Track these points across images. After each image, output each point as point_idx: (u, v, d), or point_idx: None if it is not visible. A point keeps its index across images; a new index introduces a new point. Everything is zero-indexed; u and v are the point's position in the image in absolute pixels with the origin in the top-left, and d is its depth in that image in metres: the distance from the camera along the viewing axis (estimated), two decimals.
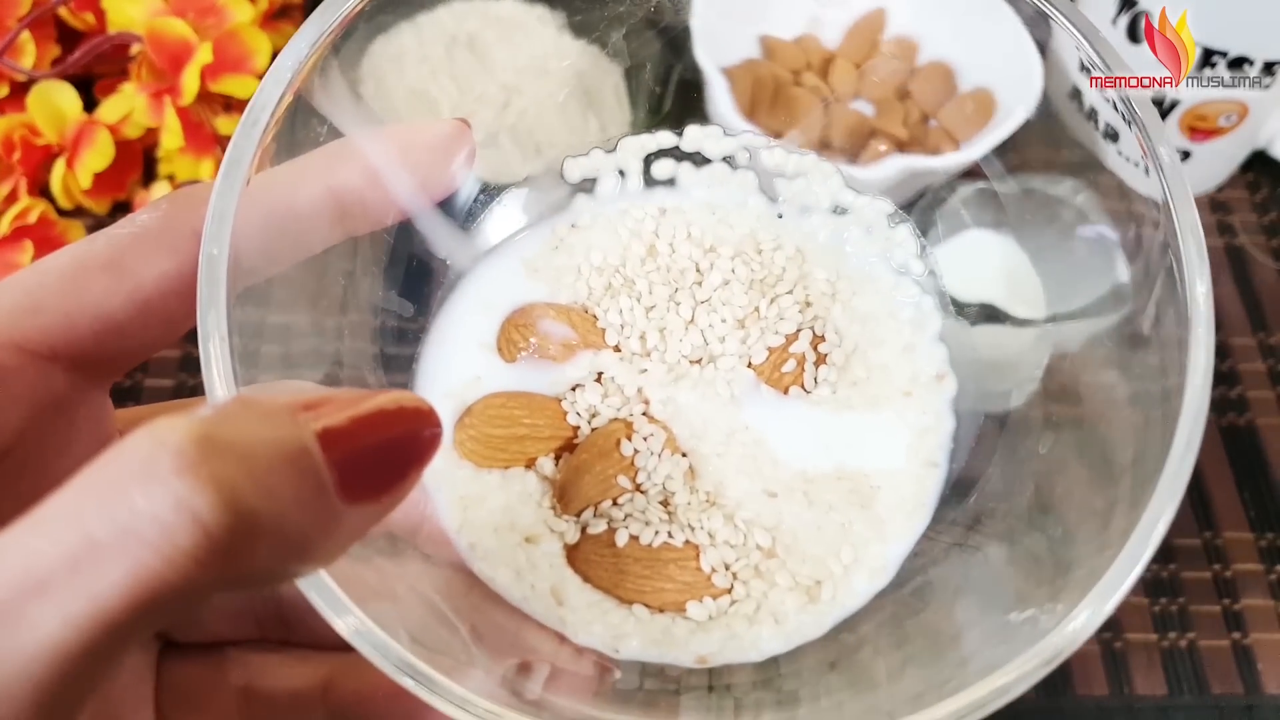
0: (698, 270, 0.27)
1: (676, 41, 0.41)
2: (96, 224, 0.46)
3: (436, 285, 0.26)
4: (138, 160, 0.47)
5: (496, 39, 0.47)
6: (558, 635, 0.23)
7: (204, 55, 0.43)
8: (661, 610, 0.23)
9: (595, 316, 0.26)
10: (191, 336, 0.20)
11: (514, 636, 0.22)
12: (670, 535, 0.23)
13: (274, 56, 0.45)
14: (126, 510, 0.14)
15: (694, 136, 0.29)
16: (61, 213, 0.45)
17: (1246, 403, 0.45)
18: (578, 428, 0.25)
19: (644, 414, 0.25)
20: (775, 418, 0.25)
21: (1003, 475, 0.24)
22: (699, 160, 0.29)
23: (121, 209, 0.47)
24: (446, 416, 0.24)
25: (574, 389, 0.25)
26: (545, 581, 0.23)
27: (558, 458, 0.24)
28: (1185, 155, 0.49)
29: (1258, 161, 0.51)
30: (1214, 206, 0.51)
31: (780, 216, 0.28)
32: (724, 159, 0.29)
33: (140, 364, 0.30)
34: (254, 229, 0.20)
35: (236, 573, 0.15)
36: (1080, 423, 0.24)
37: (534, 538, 0.23)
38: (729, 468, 0.24)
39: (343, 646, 0.18)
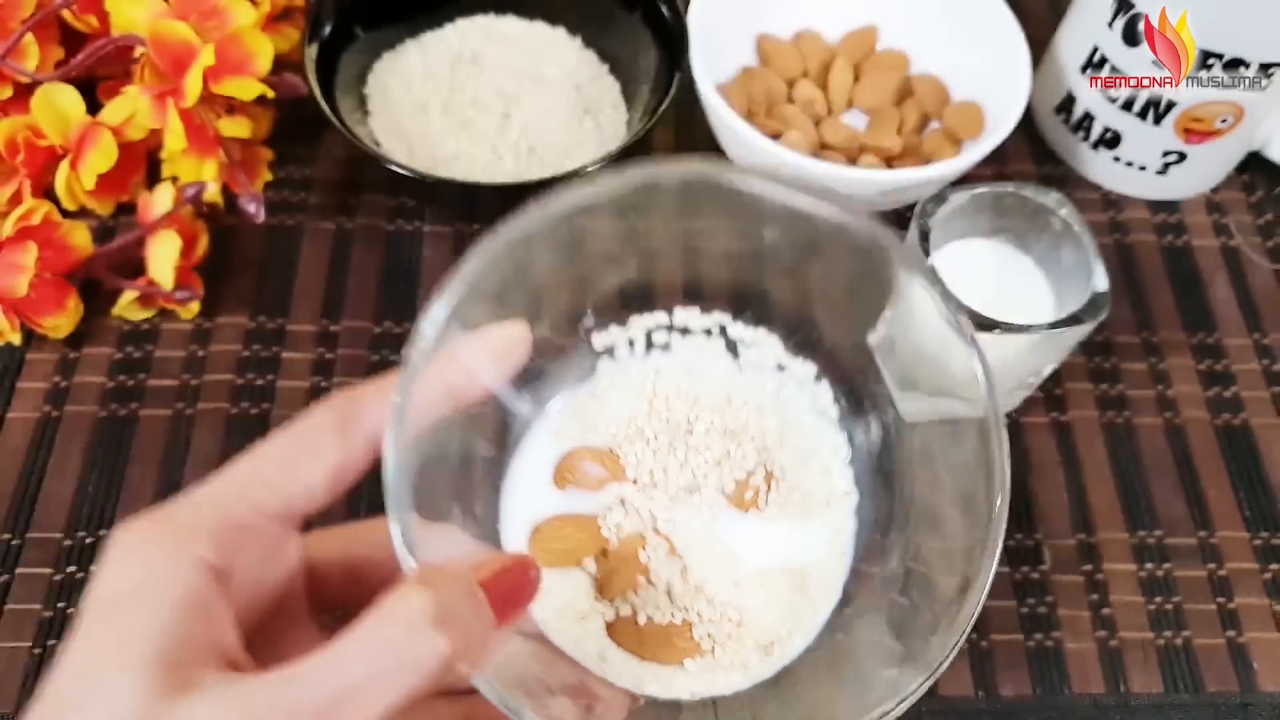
0: (688, 421, 0.39)
1: (674, 52, 0.48)
2: (100, 225, 0.48)
3: (510, 432, 0.38)
4: (141, 162, 0.48)
5: (499, 54, 0.52)
6: (603, 680, 0.35)
7: (206, 57, 0.43)
8: (669, 665, 0.35)
9: (618, 456, 0.38)
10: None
11: (578, 682, 0.35)
12: (673, 615, 0.36)
13: (275, 58, 0.46)
14: (403, 650, 0.25)
15: (681, 316, 0.40)
16: (65, 214, 0.45)
17: (1241, 403, 0.46)
18: (609, 540, 0.37)
19: (654, 529, 0.37)
20: (741, 530, 0.37)
21: (885, 565, 0.37)
22: (685, 331, 0.41)
23: (125, 210, 0.48)
24: (523, 535, 0.36)
25: (607, 511, 0.37)
26: (594, 648, 0.35)
27: (598, 560, 0.37)
28: (1181, 157, 0.49)
29: (1253, 162, 0.52)
30: (1210, 208, 0.52)
31: (741, 371, 0.40)
32: (703, 330, 0.41)
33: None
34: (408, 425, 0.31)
35: (448, 680, 0.27)
36: (929, 523, 0.35)
37: (585, 617, 0.36)
38: (710, 567, 0.37)
39: (474, 691, 0.30)
